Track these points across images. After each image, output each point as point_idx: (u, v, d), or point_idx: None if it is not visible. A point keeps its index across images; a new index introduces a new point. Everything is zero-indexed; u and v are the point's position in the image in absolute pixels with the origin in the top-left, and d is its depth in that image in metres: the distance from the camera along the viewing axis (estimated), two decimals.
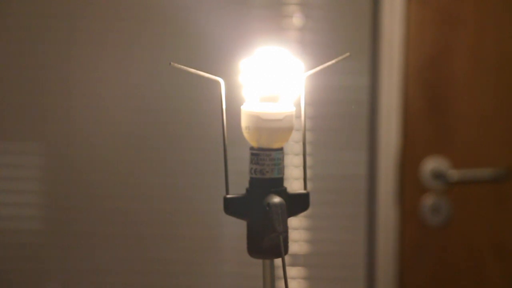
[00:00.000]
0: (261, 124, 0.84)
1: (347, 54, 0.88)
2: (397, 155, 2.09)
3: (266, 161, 0.85)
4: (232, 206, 0.86)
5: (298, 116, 0.88)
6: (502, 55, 2.10)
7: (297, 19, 2.09)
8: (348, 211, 2.12)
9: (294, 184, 2.04)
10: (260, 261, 0.87)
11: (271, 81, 0.85)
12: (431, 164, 2.10)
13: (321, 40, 2.08)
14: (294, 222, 2.09)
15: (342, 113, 2.10)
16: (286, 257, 0.81)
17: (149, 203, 2.12)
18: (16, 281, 2.14)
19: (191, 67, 0.85)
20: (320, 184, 2.09)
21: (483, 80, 2.11)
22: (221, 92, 0.85)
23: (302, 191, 0.89)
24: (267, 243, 0.83)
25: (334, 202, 2.11)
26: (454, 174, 2.09)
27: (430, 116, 2.10)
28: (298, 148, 2.04)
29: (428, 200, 2.10)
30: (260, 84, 0.85)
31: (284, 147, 0.87)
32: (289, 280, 2.11)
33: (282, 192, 0.86)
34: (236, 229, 2.04)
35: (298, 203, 0.88)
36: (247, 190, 0.86)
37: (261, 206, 0.83)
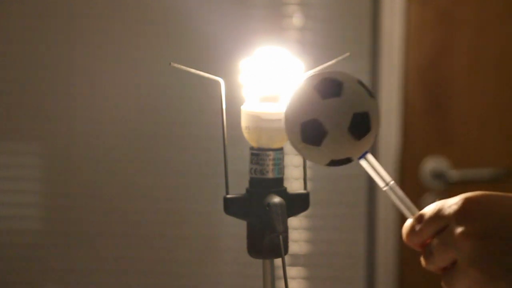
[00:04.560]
0: (261, 124, 0.84)
1: (347, 54, 0.88)
2: (397, 155, 2.09)
3: (266, 161, 0.85)
4: (232, 206, 0.86)
5: None
6: (502, 55, 2.10)
7: (297, 19, 2.09)
8: (348, 211, 2.12)
9: (294, 184, 2.03)
10: (260, 261, 0.87)
11: (271, 81, 0.85)
12: (431, 164, 2.10)
13: (321, 40, 2.08)
14: (294, 222, 2.09)
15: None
16: (286, 257, 0.81)
17: (149, 203, 2.12)
18: (16, 281, 2.14)
19: (191, 67, 0.85)
20: (320, 184, 2.09)
21: (483, 80, 2.11)
22: (221, 92, 0.85)
23: (302, 191, 0.89)
24: (267, 243, 0.83)
25: (334, 202, 2.11)
26: (454, 174, 2.09)
27: (430, 116, 2.10)
28: None
29: (428, 200, 2.10)
30: (260, 84, 0.85)
31: (284, 147, 0.87)
32: (289, 280, 2.11)
33: (282, 192, 0.85)
34: (236, 229, 2.04)
35: (298, 203, 0.88)
36: (247, 190, 0.86)
37: (261, 206, 0.83)
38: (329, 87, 0.75)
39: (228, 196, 0.86)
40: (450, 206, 0.75)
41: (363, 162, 0.78)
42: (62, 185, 2.12)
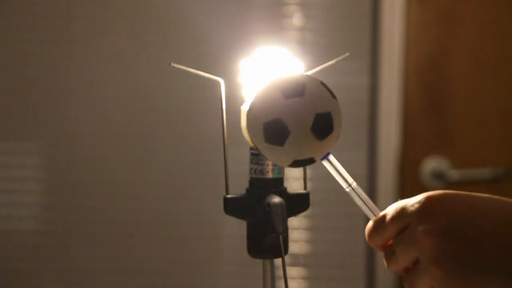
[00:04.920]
0: None
1: (347, 54, 0.88)
2: (397, 155, 2.09)
3: (266, 161, 0.85)
4: (232, 206, 0.85)
5: None
6: (502, 55, 2.10)
7: (297, 19, 2.09)
8: (348, 211, 2.12)
9: (294, 184, 2.04)
10: (260, 261, 0.87)
11: None
12: (431, 164, 2.10)
13: (321, 40, 2.08)
14: (294, 222, 2.09)
15: (342, 113, 2.09)
16: (286, 257, 0.81)
17: (149, 203, 2.12)
18: (16, 281, 2.15)
19: (191, 67, 0.85)
20: (320, 184, 2.09)
21: (483, 80, 2.11)
22: (221, 92, 0.85)
23: (302, 191, 0.89)
24: (267, 243, 0.83)
25: (334, 202, 2.11)
26: (454, 174, 2.09)
27: (430, 116, 2.10)
28: None
29: None
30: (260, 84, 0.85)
31: None
32: (289, 280, 2.11)
33: (282, 192, 0.85)
34: (236, 229, 2.04)
35: (298, 203, 0.88)
36: (247, 190, 0.86)
37: (261, 206, 0.83)
38: (292, 87, 0.75)
39: (228, 196, 0.85)
40: (412, 205, 0.75)
41: (325, 163, 0.79)
42: (62, 185, 2.12)
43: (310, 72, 0.87)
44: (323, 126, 0.76)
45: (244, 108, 0.85)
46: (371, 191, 2.11)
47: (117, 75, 2.10)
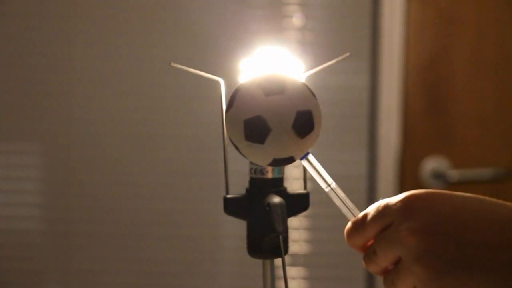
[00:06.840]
0: None
1: (347, 54, 0.88)
2: (397, 155, 2.09)
3: None
4: (232, 206, 0.85)
5: None
6: (502, 55, 2.10)
7: (297, 19, 2.09)
8: None
9: (294, 184, 2.04)
10: (260, 261, 0.87)
11: None
12: (431, 164, 2.10)
13: (321, 40, 2.08)
14: (294, 222, 2.09)
15: (342, 113, 2.10)
16: (286, 257, 0.81)
17: (149, 203, 2.12)
18: (16, 281, 2.15)
19: (191, 67, 0.85)
20: (320, 184, 2.08)
21: (483, 80, 2.11)
22: (221, 92, 0.85)
23: (302, 191, 0.89)
24: (267, 243, 0.83)
25: (334, 202, 2.11)
26: (454, 174, 2.09)
27: (430, 116, 2.10)
28: None
29: None
30: None
31: None
32: (289, 280, 2.11)
33: (282, 192, 0.85)
34: (236, 229, 2.04)
35: (298, 203, 0.88)
36: (247, 190, 0.86)
37: (261, 206, 0.83)
38: (272, 85, 0.75)
39: (228, 196, 0.85)
40: (395, 204, 0.74)
41: (305, 163, 0.78)
42: (62, 185, 2.12)
43: (310, 72, 0.87)
44: (304, 123, 0.74)
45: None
46: (371, 191, 2.11)
47: (117, 75, 2.10)
